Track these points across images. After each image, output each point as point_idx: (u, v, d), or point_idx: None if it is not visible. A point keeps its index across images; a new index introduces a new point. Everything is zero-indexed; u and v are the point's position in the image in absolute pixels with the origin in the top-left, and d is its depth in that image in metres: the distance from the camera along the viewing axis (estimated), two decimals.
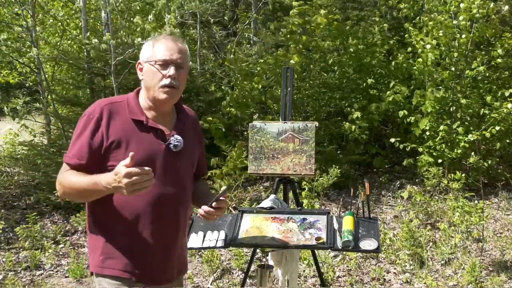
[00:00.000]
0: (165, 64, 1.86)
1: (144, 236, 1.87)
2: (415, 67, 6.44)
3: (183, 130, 1.97)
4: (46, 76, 7.50)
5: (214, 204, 1.94)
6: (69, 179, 1.80)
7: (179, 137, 1.92)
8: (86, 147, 1.80)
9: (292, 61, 6.15)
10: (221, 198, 1.96)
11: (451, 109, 6.15)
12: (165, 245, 1.92)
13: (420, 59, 6.19)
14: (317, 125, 2.89)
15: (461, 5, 5.64)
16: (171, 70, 1.85)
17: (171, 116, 1.99)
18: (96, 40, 5.92)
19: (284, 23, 6.70)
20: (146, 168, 1.61)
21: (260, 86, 6.46)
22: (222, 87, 7.28)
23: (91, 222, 1.94)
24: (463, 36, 5.83)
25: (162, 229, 1.89)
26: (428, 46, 5.98)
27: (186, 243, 2.17)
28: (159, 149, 1.89)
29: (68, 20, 7.74)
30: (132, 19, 6.30)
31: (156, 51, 1.88)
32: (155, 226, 1.87)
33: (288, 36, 6.54)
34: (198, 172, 2.15)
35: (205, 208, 1.94)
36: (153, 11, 6.52)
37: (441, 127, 5.97)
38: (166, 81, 1.86)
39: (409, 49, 6.72)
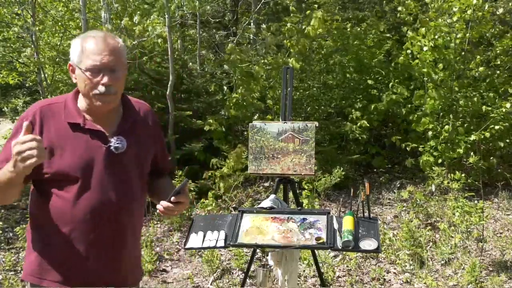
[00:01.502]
0: (96, 71, 1.68)
1: (84, 245, 1.75)
2: (415, 68, 6.43)
3: (130, 128, 1.82)
4: (46, 76, 7.51)
5: (173, 198, 1.78)
6: None
7: (121, 138, 1.78)
8: None
9: (290, 65, 6.13)
10: (181, 191, 1.81)
11: (452, 109, 6.14)
12: (107, 254, 1.79)
13: (417, 61, 6.18)
14: (317, 125, 2.88)
15: (454, 9, 5.61)
16: (105, 78, 1.68)
17: (115, 114, 1.82)
18: None
19: (283, 25, 6.65)
20: (32, 135, 1.50)
21: (259, 89, 6.41)
22: (223, 87, 7.27)
23: (31, 224, 1.84)
24: (458, 36, 5.82)
25: (104, 237, 1.76)
26: (425, 48, 5.96)
27: (140, 255, 2.04)
28: (99, 152, 1.74)
29: (68, 22, 7.73)
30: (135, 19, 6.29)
31: (85, 55, 1.69)
32: (96, 234, 1.75)
33: (287, 41, 6.48)
34: (159, 169, 2.01)
35: (163, 203, 1.79)
36: (138, 12, 6.50)
37: (446, 127, 5.94)
38: (101, 89, 1.69)
39: (408, 50, 6.71)
